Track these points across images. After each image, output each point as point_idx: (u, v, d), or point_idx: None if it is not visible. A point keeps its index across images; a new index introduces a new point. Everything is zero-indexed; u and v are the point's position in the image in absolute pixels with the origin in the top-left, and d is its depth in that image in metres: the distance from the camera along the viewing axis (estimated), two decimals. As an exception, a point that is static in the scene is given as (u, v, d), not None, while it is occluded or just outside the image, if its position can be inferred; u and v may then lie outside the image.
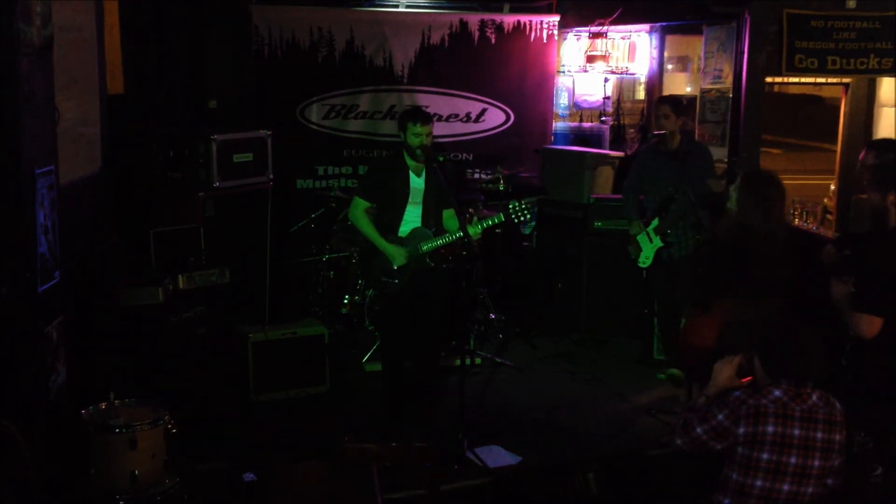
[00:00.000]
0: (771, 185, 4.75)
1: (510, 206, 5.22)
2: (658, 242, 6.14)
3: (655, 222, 6.15)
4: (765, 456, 3.34)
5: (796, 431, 3.34)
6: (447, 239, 5.30)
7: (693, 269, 5.95)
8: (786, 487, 3.35)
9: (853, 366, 4.24)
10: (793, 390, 3.40)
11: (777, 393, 3.40)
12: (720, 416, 3.44)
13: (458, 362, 5.29)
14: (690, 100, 8.00)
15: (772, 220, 4.66)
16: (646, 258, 6.21)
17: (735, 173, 5.79)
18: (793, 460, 3.34)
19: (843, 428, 3.40)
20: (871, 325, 4.03)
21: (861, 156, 5.70)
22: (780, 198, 4.77)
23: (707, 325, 4.74)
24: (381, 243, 5.29)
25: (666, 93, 8.56)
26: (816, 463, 3.35)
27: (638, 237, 6.23)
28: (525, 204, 5.22)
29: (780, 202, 4.78)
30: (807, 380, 3.41)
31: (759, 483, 3.36)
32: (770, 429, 3.34)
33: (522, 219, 5.25)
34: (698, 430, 3.49)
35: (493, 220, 5.25)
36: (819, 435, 3.36)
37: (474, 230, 5.16)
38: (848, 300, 4.12)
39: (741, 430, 3.38)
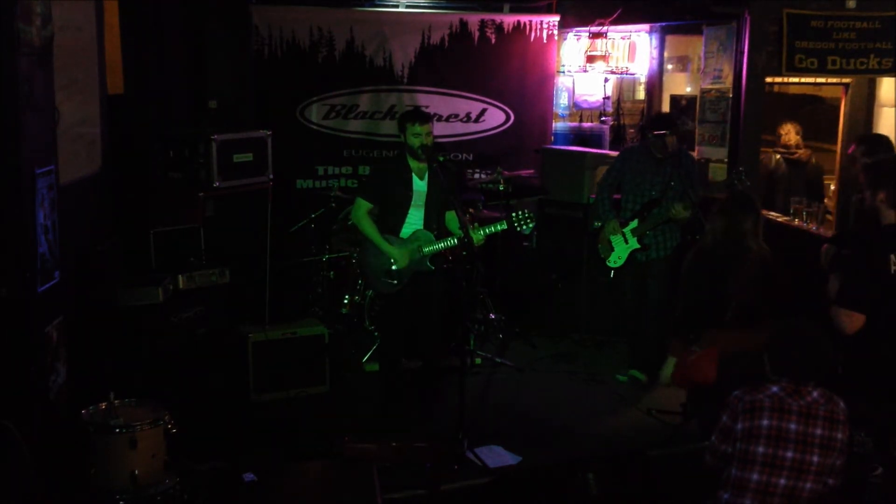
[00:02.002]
0: (738, 205, 4.78)
1: (513, 215, 5.22)
2: (634, 244, 6.01)
3: (634, 223, 6.00)
4: (760, 449, 3.38)
5: (793, 426, 3.37)
6: (449, 243, 5.29)
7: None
8: (782, 482, 3.37)
9: (847, 365, 4.24)
10: (791, 387, 3.43)
11: (774, 389, 3.44)
12: (724, 418, 3.51)
13: (458, 362, 5.29)
14: (690, 100, 8.00)
15: (744, 239, 4.68)
16: (618, 258, 6.06)
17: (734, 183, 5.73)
18: (789, 454, 3.36)
19: (846, 427, 3.41)
20: (850, 322, 4.04)
21: (850, 149, 5.73)
22: (744, 217, 4.74)
23: (705, 360, 4.71)
24: (384, 245, 5.29)
25: (666, 93, 8.56)
26: (815, 459, 3.36)
27: (611, 237, 6.07)
28: (528, 213, 5.23)
29: (746, 221, 4.74)
30: (807, 379, 3.43)
31: (755, 476, 3.39)
32: (765, 422, 3.38)
33: (525, 227, 5.25)
34: (713, 438, 3.57)
35: (495, 228, 5.25)
36: (818, 431, 3.37)
37: (477, 237, 5.16)
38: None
39: (739, 426, 3.43)
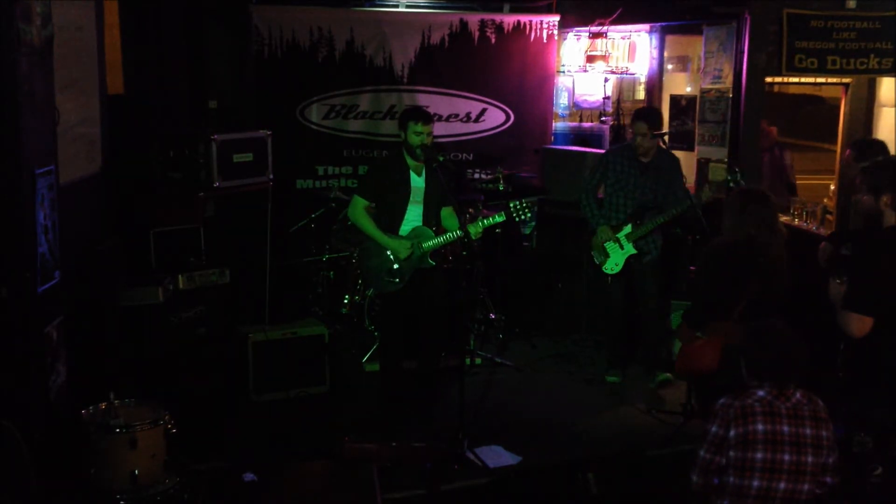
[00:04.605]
0: (751, 201, 4.74)
1: (511, 205, 5.24)
2: (630, 249, 5.94)
3: (628, 229, 5.93)
4: (759, 455, 3.37)
5: (785, 428, 3.38)
6: (448, 237, 5.30)
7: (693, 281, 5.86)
8: (782, 486, 3.37)
9: (849, 366, 4.24)
10: (776, 391, 3.42)
11: (761, 393, 3.44)
12: (713, 428, 3.47)
13: (458, 362, 5.28)
14: (690, 100, 8.00)
15: (761, 234, 4.65)
16: (615, 265, 5.99)
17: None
18: (786, 457, 3.36)
19: (829, 424, 3.43)
20: (861, 325, 4.04)
21: (846, 154, 5.70)
22: (764, 211, 4.72)
23: (709, 349, 4.70)
24: (384, 239, 5.30)
25: (666, 93, 8.56)
26: (809, 459, 3.37)
27: (606, 243, 5.99)
28: (526, 203, 5.24)
29: (765, 215, 4.73)
30: (789, 381, 3.43)
31: (756, 483, 3.38)
32: (760, 427, 3.37)
33: (524, 217, 5.27)
34: (701, 452, 3.51)
35: (494, 219, 5.27)
36: (808, 431, 3.39)
37: (475, 228, 5.17)
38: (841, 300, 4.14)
39: (732, 434, 3.40)
